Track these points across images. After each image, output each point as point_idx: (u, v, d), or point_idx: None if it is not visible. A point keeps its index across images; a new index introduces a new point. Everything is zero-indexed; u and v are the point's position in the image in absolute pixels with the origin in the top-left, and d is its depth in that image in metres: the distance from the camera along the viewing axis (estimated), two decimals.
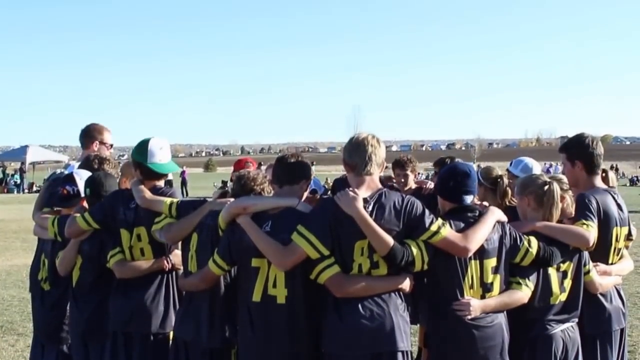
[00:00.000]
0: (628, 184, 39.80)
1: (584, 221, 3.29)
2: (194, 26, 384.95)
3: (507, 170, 4.27)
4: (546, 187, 3.30)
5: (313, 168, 3.42)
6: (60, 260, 3.79)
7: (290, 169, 3.15)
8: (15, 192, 34.42)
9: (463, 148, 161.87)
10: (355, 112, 76.33)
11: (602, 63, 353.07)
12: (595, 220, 3.32)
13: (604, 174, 3.72)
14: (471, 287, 3.03)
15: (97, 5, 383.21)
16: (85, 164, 4.14)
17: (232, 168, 5.36)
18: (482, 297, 3.05)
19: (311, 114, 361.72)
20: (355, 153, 3.03)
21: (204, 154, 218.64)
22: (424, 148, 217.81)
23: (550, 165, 46.98)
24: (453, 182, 3.13)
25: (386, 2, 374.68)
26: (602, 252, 3.47)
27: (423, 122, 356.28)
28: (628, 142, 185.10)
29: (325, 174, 50.96)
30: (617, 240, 3.55)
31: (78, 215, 3.65)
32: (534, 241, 3.16)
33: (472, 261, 3.03)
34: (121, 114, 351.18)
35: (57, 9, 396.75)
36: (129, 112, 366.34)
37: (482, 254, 3.04)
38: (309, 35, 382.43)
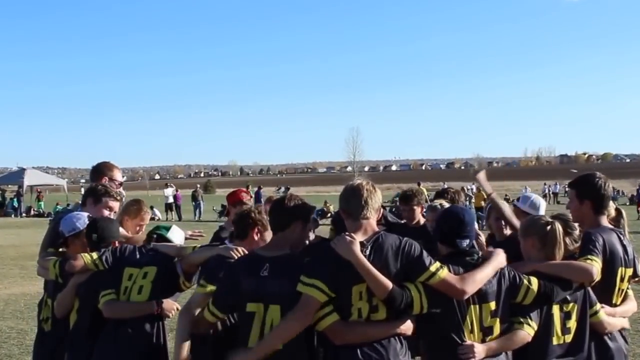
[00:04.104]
0: (628, 203, 38.32)
1: (589, 256, 3.30)
2: (193, 46, 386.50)
3: (514, 205, 4.35)
4: (549, 228, 3.34)
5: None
6: (58, 301, 3.78)
7: (280, 215, 3.19)
8: (13, 216, 33.93)
9: (462, 167, 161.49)
10: (353, 134, 76.09)
11: (602, 80, 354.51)
12: (600, 256, 3.33)
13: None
14: (471, 331, 3.04)
15: (93, 19, 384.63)
16: (91, 189, 4.24)
17: (231, 189, 5.22)
18: (483, 341, 3.06)
19: (310, 135, 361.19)
20: (352, 199, 3.08)
21: (202, 174, 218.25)
22: (423, 167, 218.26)
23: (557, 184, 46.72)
24: (448, 227, 3.17)
25: (382, 24, 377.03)
26: (605, 292, 3.47)
27: (422, 141, 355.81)
28: (628, 160, 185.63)
29: (324, 195, 50.33)
30: (621, 280, 3.54)
31: (86, 254, 3.72)
32: (534, 279, 3.18)
33: (472, 306, 3.04)
34: (119, 135, 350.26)
35: (55, 26, 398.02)
36: (128, 134, 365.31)
37: (481, 298, 3.06)
38: (307, 56, 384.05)
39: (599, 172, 3.69)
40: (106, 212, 4.04)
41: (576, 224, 3.57)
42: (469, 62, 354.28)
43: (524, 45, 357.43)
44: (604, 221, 3.60)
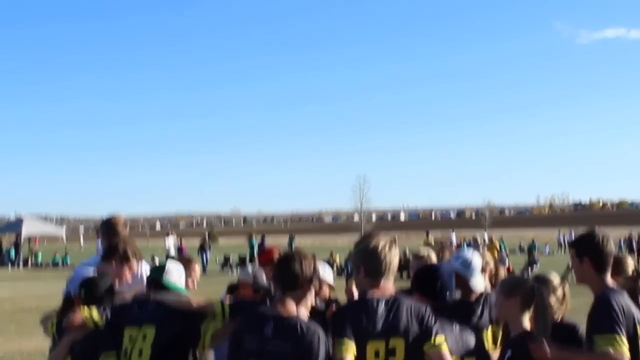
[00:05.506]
0: None
1: (614, 336, 3.14)
2: (195, 91, 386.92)
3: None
4: (535, 291, 3.31)
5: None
6: (49, 359, 3.67)
7: (293, 275, 3.10)
8: (10, 267, 32.83)
9: (474, 217, 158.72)
10: (360, 181, 75.89)
11: (615, 126, 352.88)
12: (624, 328, 3.19)
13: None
14: None
15: (86, 63, 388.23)
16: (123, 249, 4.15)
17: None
18: None
19: (315, 182, 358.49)
20: (372, 259, 3.12)
21: (205, 224, 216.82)
22: (433, 217, 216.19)
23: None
24: (430, 284, 3.40)
25: (388, 69, 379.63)
26: (630, 352, 3.32)
27: (431, 188, 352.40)
28: None
29: (330, 244, 48.18)
30: None
31: (86, 309, 3.56)
32: None
33: None
34: (120, 180, 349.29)
35: (54, 65, 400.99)
36: (128, 179, 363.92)
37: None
38: (311, 101, 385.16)
39: (599, 228, 3.63)
40: (129, 278, 4.01)
41: (559, 284, 3.57)
42: (477, 107, 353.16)
43: (533, 89, 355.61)
44: (609, 280, 3.47)
